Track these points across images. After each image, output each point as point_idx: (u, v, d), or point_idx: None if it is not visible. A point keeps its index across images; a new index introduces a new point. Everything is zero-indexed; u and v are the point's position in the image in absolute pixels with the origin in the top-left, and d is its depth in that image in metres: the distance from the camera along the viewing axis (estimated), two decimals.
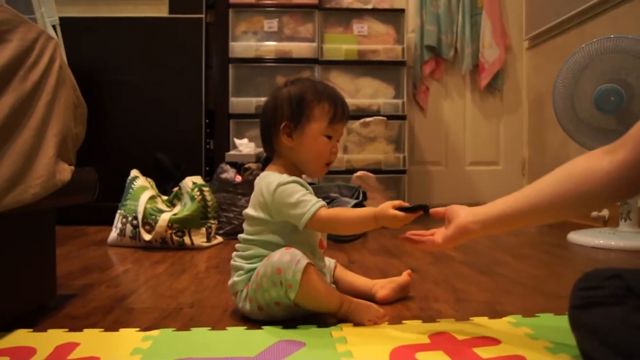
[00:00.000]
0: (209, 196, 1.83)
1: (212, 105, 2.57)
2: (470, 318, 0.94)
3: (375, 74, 2.60)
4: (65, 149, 0.94)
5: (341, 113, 0.98)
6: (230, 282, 0.99)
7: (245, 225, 0.99)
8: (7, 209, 0.83)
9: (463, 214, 0.84)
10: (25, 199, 0.85)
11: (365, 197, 2.14)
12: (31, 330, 0.90)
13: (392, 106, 2.55)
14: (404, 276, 1.10)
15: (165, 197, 1.91)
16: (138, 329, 0.91)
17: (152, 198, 1.82)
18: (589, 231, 1.91)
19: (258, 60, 2.53)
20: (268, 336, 0.86)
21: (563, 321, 0.76)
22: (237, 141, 2.28)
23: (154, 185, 1.95)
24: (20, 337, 0.87)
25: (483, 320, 0.93)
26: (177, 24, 2.47)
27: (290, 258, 0.88)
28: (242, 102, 2.50)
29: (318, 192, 2.00)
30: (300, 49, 2.51)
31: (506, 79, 2.93)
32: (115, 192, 1.92)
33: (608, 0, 2.16)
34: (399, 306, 1.04)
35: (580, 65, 1.78)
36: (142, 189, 1.84)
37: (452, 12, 2.83)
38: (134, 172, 1.92)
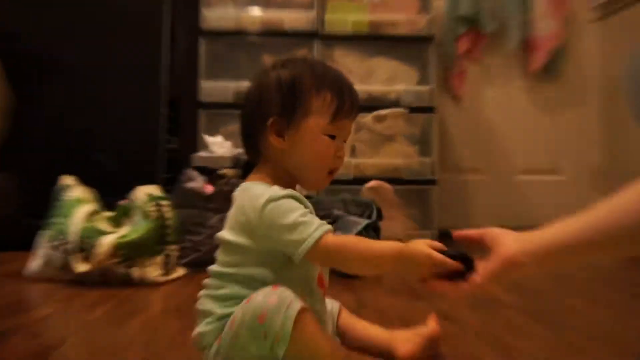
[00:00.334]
0: (168, 213, 1.81)
1: (176, 92, 2.55)
2: None
3: (393, 52, 2.59)
4: None
5: (349, 105, 0.98)
6: (195, 332, 0.96)
7: (219, 254, 0.98)
8: None
9: (508, 242, 0.84)
10: None
11: (380, 216, 2.11)
12: None
13: (416, 95, 2.53)
14: (431, 325, 1.10)
15: (109, 214, 1.89)
16: None
17: (91, 214, 1.80)
18: None
19: (238, 33, 2.51)
20: None
21: None
22: (208, 139, 2.26)
23: (95, 198, 1.93)
24: None
25: None
26: None
27: (278, 300, 0.86)
28: (216, 88, 2.49)
29: (317, 208, 1.96)
30: (294, 19, 2.50)
31: (568, 59, 2.93)
32: (39, 206, 1.89)
33: None
34: None
35: None
36: (77, 202, 1.82)
37: None
38: (67, 180, 1.91)
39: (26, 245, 1.92)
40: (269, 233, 0.90)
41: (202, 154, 2.23)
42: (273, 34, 2.49)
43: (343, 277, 1.82)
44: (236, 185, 1.01)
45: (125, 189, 2.12)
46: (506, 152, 2.93)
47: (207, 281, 0.97)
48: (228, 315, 0.92)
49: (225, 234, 0.96)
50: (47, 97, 2.44)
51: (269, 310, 0.86)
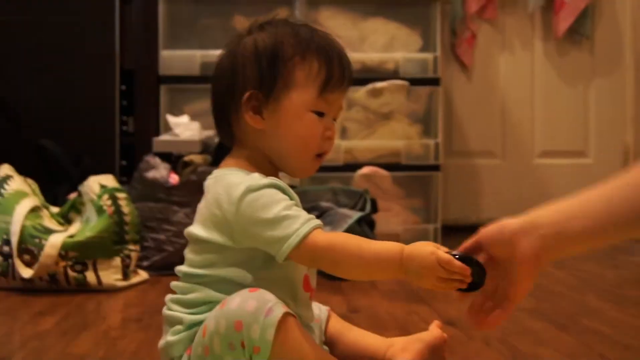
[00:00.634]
0: (126, 207, 1.83)
1: (131, 63, 2.56)
2: None
3: (391, 12, 2.60)
4: None
5: (339, 74, 0.99)
6: (161, 342, 0.98)
7: (188, 253, 0.99)
8: None
9: (523, 237, 0.84)
10: None
11: (375, 208, 2.15)
12: None
13: (418, 64, 2.56)
14: (434, 331, 1.11)
15: (55, 209, 1.90)
16: None
17: (34, 210, 1.81)
18: None
19: None
20: None
21: None
22: (171, 119, 2.28)
23: (38, 190, 1.94)
24: None
25: None
26: None
27: (257, 305, 0.88)
28: (179, 58, 2.50)
29: (301, 199, 1.99)
30: None
31: (598, 20, 2.96)
32: None
33: None
34: None
35: None
36: (18, 196, 1.83)
37: None
38: (5, 169, 1.91)
39: None
40: (248, 228, 0.92)
41: (164, 137, 2.25)
42: None
43: (332, 279, 1.86)
44: (206, 173, 1.02)
45: (74, 180, 2.15)
46: (523, 132, 2.95)
47: (174, 284, 0.99)
48: (199, 323, 0.94)
49: (196, 229, 0.97)
50: None
51: (247, 316, 0.87)
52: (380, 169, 2.46)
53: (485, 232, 0.89)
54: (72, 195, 1.92)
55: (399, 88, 2.50)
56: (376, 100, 2.51)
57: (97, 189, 1.82)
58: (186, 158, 2.09)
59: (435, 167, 2.52)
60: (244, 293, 0.90)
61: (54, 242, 1.72)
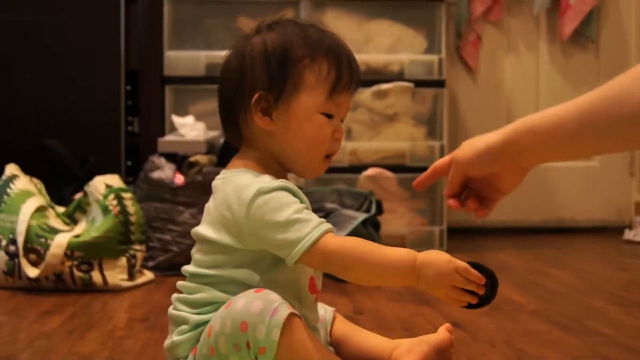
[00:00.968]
0: (132, 207, 1.83)
1: (136, 64, 2.57)
2: None
3: (396, 14, 2.61)
4: None
5: (348, 76, 0.99)
6: (167, 342, 0.99)
7: (195, 253, 1.00)
8: None
9: (506, 161, 0.90)
10: None
11: (380, 210, 2.15)
12: None
13: (423, 65, 2.56)
14: (442, 333, 1.11)
15: (61, 209, 1.91)
16: None
17: (40, 210, 1.81)
18: None
19: None
20: None
21: None
22: (177, 120, 2.29)
23: (43, 190, 1.95)
24: None
25: None
26: None
27: (262, 306, 0.88)
28: (184, 58, 2.50)
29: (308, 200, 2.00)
30: None
31: (604, 23, 2.96)
32: None
33: None
34: None
35: None
36: (24, 196, 1.84)
37: None
38: (11, 169, 1.92)
39: None
40: (258, 231, 0.92)
41: (169, 137, 2.25)
42: None
43: (337, 281, 1.86)
44: (211, 174, 1.03)
45: (80, 180, 2.15)
46: None
47: (181, 283, 0.99)
48: (205, 323, 0.94)
49: (204, 230, 0.97)
50: None
51: (252, 317, 0.87)
52: (386, 170, 2.46)
53: (461, 156, 0.93)
54: (78, 195, 1.93)
55: (404, 90, 2.51)
56: (381, 101, 2.51)
57: (102, 189, 1.82)
58: (192, 158, 2.09)
59: None
60: (250, 294, 0.91)
61: (60, 241, 1.73)
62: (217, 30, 2.55)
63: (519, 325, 1.41)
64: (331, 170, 2.38)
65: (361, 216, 2.01)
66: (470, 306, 0.90)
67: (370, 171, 2.45)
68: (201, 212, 1.01)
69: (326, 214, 2.03)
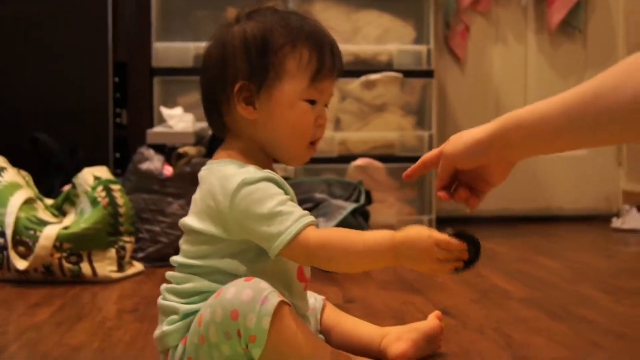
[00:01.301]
0: (120, 199, 1.83)
1: (124, 56, 2.56)
2: None
3: (385, 4, 2.61)
4: None
5: (330, 62, 0.99)
6: (157, 332, 0.99)
7: (183, 243, 1.00)
8: None
9: (494, 155, 0.91)
10: None
11: (369, 200, 2.15)
12: None
13: (412, 56, 2.56)
14: (432, 321, 1.12)
15: (50, 201, 1.91)
16: None
17: (28, 202, 1.81)
18: None
19: None
20: None
21: None
22: (165, 111, 2.28)
23: (32, 182, 1.94)
24: None
25: None
26: None
27: (252, 294, 0.89)
28: (172, 50, 2.50)
29: (296, 191, 2.00)
30: None
31: (591, 13, 2.97)
32: None
33: None
34: None
35: None
36: (12, 188, 1.83)
37: None
38: None
39: None
40: (241, 222, 0.92)
41: (158, 129, 2.25)
42: None
43: (326, 270, 1.86)
44: (200, 165, 1.02)
45: (68, 172, 2.14)
46: None
47: (170, 274, 1.00)
48: (194, 312, 0.95)
49: (191, 220, 0.98)
50: None
51: (242, 305, 0.88)
52: (375, 160, 2.47)
53: (450, 149, 0.94)
54: (66, 187, 1.92)
55: (393, 80, 2.51)
56: (370, 92, 2.52)
57: (91, 180, 1.82)
58: (180, 150, 2.09)
59: None
60: (240, 282, 0.91)
61: (49, 233, 1.72)
62: (206, 21, 2.54)
63: (508, 312, 1.42)
64: (320, 160, 2.43)
65: (350, 206, 2.02)
66: (457, 270, 0.90)
67: (360, 161, 2.45)
68: (190, 203, 1.00)
69: (315, 204, 2.03)
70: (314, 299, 1.13)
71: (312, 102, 0.99)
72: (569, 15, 2.90)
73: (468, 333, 1.26)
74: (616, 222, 2.68)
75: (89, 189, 1.80)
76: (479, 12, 2.93)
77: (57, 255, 1.73)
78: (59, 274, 1.74)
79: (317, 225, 0.93)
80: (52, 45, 2.49)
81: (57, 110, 2.47)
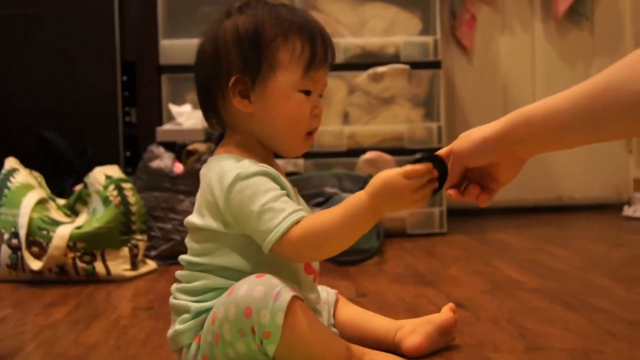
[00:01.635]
0: (132, 197, 1.84)
1: (131, 54, 2.56)
2: None
3: None
4: None
5: (322, 52, 0.99)
6: (170, 332, 1.00)
7: (189, 242, 1.01)
8: None
9: (504, 152, 0.90)
10: None
11: None
12: None
13: (419, 47, 2.56)
14: (446, 313, 1.12)
15: (62, 201, 1.91)
16: None
17: (41, 203, 1.82)
18: None
19: None
20: None
21: None
22: (174, 109, 2.28)
23: (43, 183, 1.95)
24: None
25: None
26: None
27: (265, 291, 0.89)
28: (180, 47, 2.50)
29: (306, 185, 2.01)
30: None
31: (598, 0, 2.95)
32: None
33: None
34: None
35: None
36: (24, 189, 1.84)
37: None
38: (11, 162, 1.92)
39: None
40: (236, 217, 0.93)
41: (167, 126, 2.25)
42: None
43: (339, 264, 1.87)
44: None
45: (79, 172, 2.15)
46: None
47: (179, 273, 1.01)
48: (206, 310, 0.95)
49: (193, 217, 0.99)
50: None
51: (256, 302, 0.88)
52: (384, 153, 2.46)
53: (459, 147, 0.93)
54: (78, 187, 1.93)
55: (400, 72, 2.50)
56: (377, 85, 2.51)
57: (102, 179, 1.83)
58: (190, 147, 2.09)
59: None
60: (252, 279, 0.91)
61: (62, 233, 1.73)
62: (212, 17, 2.53)
63: (521, 303, 1.42)
64: (330, 154, 2.43)
65: None
66: (435, 192, 0.92)
67: (369, 154, 2.45)
68: None
69: (326, 199, 2.03)
70: (327, 293, 1.14)
71: (307, 92, 0.99)
72: (576, 3, 2.88)
73: (482, 324, 1.26)
74: (627, 211, 2.67)
75: (101, 188, 1.81)
76: (485, 1, 2.92)
77: (71, 255, 1.74)
78: (73, 274, 1.75)
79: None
80: (60, 45, 2.50)
81: (66, 110, 2.48)
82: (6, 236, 1.78)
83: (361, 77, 2.50)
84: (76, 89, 2.50)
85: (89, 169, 1.91)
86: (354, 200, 0.92)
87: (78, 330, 1.31)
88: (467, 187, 0.96)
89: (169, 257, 1.94)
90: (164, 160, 2.05)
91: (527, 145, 0.89)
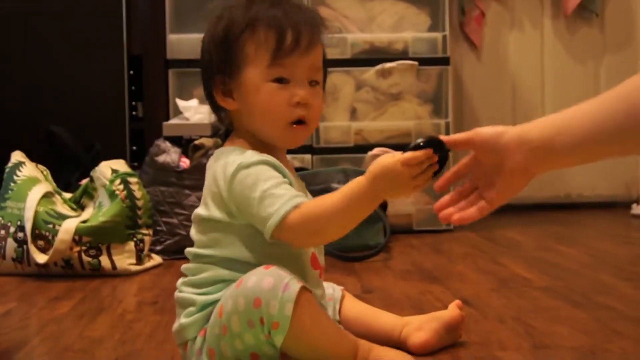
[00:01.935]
0: (138, 192, 1.84)
1: (138, 49, 2.57)
2: None
3: None
4: None
5: (292, 38, 0.97)
6: (175, 325, 1.00)
7: (194, 234, 1.01)
8: None
9: (515, 148, 0.88)
10: None
11: None
12: None
13: (427, 43, 2.55)
14: (452, 310, 1.12)
15: (68, 195, 1.92)
16: None
17: (47, 196, 1.82)
18: None
19: None
20: None
21: None
22: (181, 103, 2.28)
23: (50, 176, 1.96)
24: None
25: None
26: None
27: (274, 281, 0.89)
28: (187, 42, 2.49)
29: (314, 181, 2.01)
30: None
31: None
32: None
33: None
34: (444, 357, 1.06)
35: None
36: (30, 182, 1.84)
37: None
38: (17, 156, 1.92)
39: None
40: (239, 205, 0.94)
41: (174, 121, 2.25)
42: None
43: (345, 260, 1.87)
44: None
45: (86, 166, 2.16)
46: (534, 110, 2.94)
47: (184, 266, 1.01)
48: (211, 304, 0.95)
49: (199, 209, 1.00)
50: None
51: (265, 293, 0.89)
52: (391, 150, 2.46)
53: (480, 134, 0.92)
54: (84, 181, 1.94)
55: (409, 68, 2.50)
56: (386, 80, 2.51)
57: (109, 174, 1.83)
58: (197, 142, 2.09)
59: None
60: (260, 271, 0.92)
61: (68, 227, 1.74)
62: (219, 11, 2.54)
63: (528, 301, 1.41)
64: (337, 150, 2.43)
65: None
66: (435, 175, 0.91)
67: (376, 150, 2.44)
68: None
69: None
70: (333, 289, 1.14)
71: (282, 80, 0.97)
72: (586, 0, 2.87)
73: (488, 322, 1.26)
74: (636, 209, 2.66)
75: (107, 183, 1.82)
76: None
77: (77, 248, 1.74)
78: (79, 268, 1.75)
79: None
80: (67, 40, 2.51)
81: (73, 104, 2.49)
82: (12, 229, 1.78)
83: (369, 73, 2.50)
84: (83, 83, 2.51)
85: (96, 163, 1.92)
86: (354, 185, 0.91)
87: (83, 324, 1.32)
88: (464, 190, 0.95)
89: (175, 252, 1.95)
90: (171, 155, 2.05)
91: (545, 153, 0.87)
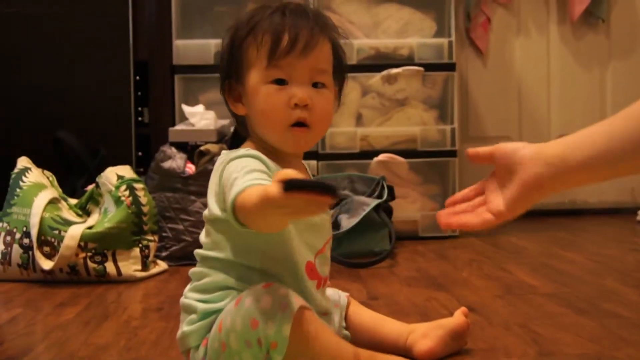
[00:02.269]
0: (144, 198, 1.84)
1: (145, 54, 2.57)
2: None
3: None
4: None
5: (288, 39, 0.96)
6: (178, 333, 1.00)
7: (202, 236, 1.02)
8: None
9: (529, 161, 0.89)
10: None
11: (392, 195, 2.15)
12: None
13: (433, 49, 2.55)
14: (458, 317, 1.12)
15: (74, 201, 1.92)
16: None
17: (53, 202, 1.83)
18: None
19: None
20: None
21: None
22: (187, 109, 2.29)
23: (55, 182, 1.96)
24: None
25: None
26: None
27: (272, 301, 0.89)
28: (193, 47, 2.50)
29: None
30: None
31: (614, 2, 2.94)
32: None
33: None
34: None
35: None
36: (36, 188, 1.85)
37: None
38: (23, 162, 1.93)
39: None
40: (225, 197, 0.91)
41: (180, 127, 2.26)
42: None
43: (350, 267, 1.87)
44: None
45: (91, 171, 2.16)
46: (540, 116, 2.95)
47: (191, 271, 1.02)
48: (213, 313, 0.96)
49: (205, 210, 1.01)
50: None
51: (262, 314, 0.89)
52: (397, 155, 2.46)
53: (500, 148, 0.93)
54: (90, 187, 1.94)
55: (414, 74, 2.50)
56: (391, 86, 2.51)
57: (114, 180, 1.83)
58: (202, 148, 2.10)
59: (452, 153, 2.51)
60: (258, 290, 0.91)
61: (73, 233, 1.74)
62: (226, 18, 2.54)
63: (534, 308, 1.41)
64: (342, 156, 2.43)
65: (373, 202, 2.02)
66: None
67: (382, 156, 2.45)
68: None
69: (338, 201, 2.03)
70: (338, 296, 1.14)
71: (281, 81, 0.97)
72: (592, 5, 2.87)
73: (494, 329, 1.26)
74: None
75: (113, 189, 1.82)
76: (500, 3, 2.91)
77: (82, 255, 1.74)
78: (84, 274, 1.76)
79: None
80: (74, 45, 2.51)
81: (79, 109, 2.49)
82: (18, 235, 1.79)
83: (375, 79, 2.50)
84: (89, 88, 2.51)
85: (101, 168, 1.92)
86: (265, 186, 0.78)
87: (88, 330, 1.32)
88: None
89: (180, 258, 1.95)
90: (176, 161, 2.05)
91: (559, 168, 0.88)
